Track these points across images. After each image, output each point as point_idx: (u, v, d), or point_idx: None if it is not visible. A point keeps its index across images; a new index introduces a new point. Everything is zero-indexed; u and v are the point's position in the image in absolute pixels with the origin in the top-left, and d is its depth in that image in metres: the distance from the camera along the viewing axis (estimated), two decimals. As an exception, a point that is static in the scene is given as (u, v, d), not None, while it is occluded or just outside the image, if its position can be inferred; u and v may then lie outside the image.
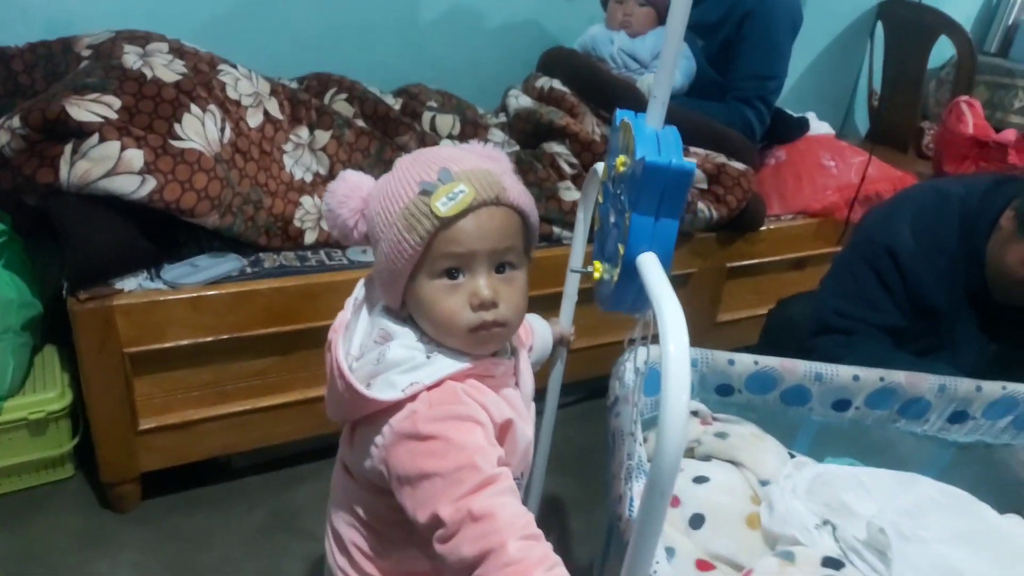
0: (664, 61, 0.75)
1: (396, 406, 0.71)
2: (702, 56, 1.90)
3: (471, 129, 1.83)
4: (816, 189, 2.04)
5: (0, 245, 1.41)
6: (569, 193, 1.70)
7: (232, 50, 1.70)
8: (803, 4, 1.97)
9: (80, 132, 1.26)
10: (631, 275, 0.73)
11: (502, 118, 1.97)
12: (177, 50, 1.53)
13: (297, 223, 1.54)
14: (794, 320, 1.57)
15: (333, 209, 0.76)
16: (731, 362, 1.20)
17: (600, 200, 0.93)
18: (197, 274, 1.39)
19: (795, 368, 1.20)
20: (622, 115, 0.83)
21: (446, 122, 1.81)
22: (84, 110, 1.28)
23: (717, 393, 1.23)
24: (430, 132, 1.79)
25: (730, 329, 2.04)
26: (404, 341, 0.74)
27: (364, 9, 2.01)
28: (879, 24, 2.75)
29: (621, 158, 0.77)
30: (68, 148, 1.26)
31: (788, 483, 1.07)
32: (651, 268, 0.70)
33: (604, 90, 1.80)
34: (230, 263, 1.44)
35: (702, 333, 1.99)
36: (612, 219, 0.82)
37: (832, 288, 1.51)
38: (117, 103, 1.33)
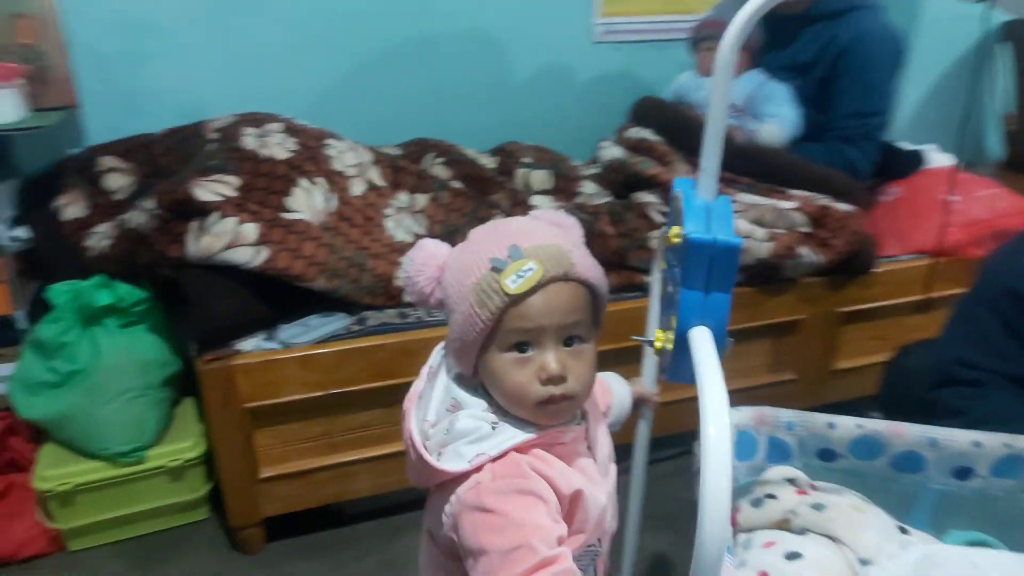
0: (709, 136, 0.76)
1: (464, 476, 0.73)
2: (799, 96, 1.85)
3: (563, 183, 1.88)
4: (936, 227, 1.90)
5: (143, 311, 1.59)
6: (662, 243, 1.70)
7: (339, 121, 1.86)
8: (914, 31, 1.88)
9: (203, 211, 1.42)
10: (684, 348, 0.73)
11: (594, 169, 2.00)
12: (290, 128, 1.69)
13: (398, 282, 1.63)
14: (913, 370, 1.47)
15: (411, 276, 0.79)
16: (831, 425, 1.13)
17: (664, 266, 0.94)
18: (308, 333, 1.51)
19: (904, 433, 1.10)
20: (679, 185, 0.84)
21: (539, 178, 1.87)
22: (207, 190, 1.44)
23: (819, 458, 1.17)
24: (523, 189, 1.85)
25: (850, 377, 1.93)
26: (472, 411, 0.76)
27: (457, 74, 2.14)
28: (1008, 45, 2.55)
29: (674, 230, 0.78)
30: (194, 225, 1.42)
31: (891, 564, 1.00)
32: (700, 343, 0.70)
33: (693, 138, 1.78)
34: (338, 322, 1.55)
35: (817, 382, 1.90)
36: (670, 288, 0.83)
37: (954, 335, 1.39)
38: (236, 182, 1.50)
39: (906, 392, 1.44)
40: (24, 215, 1.72)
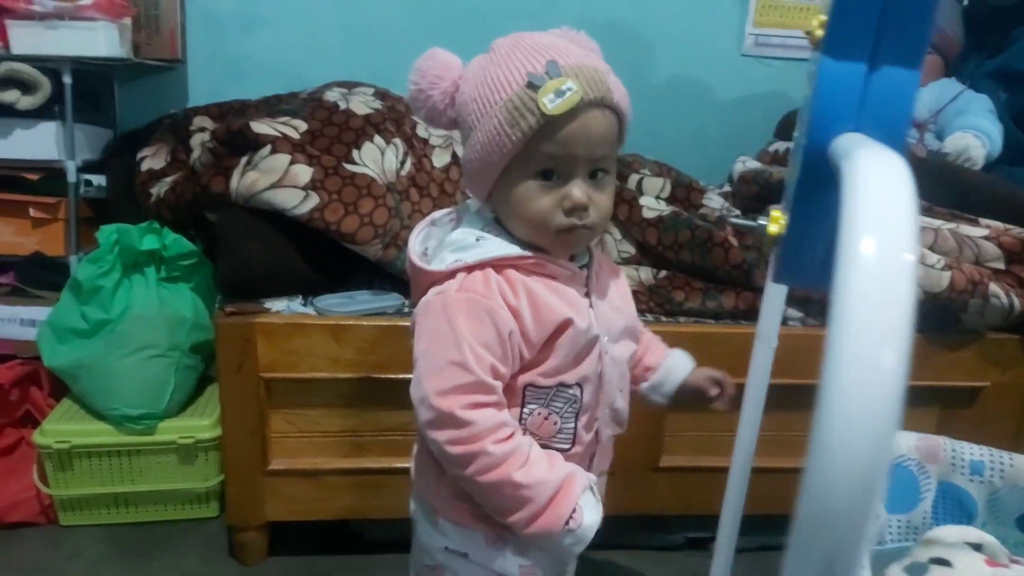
0: None
1: (439, 281, 0.72)
2: (1005, 111, 1.47)
3: (683, 192, 1.58)
4: None
5: (189, 266, 1.43)
6: (799, 260, 1.34)
7: None
8: None
9: (256, 144, 1.25)
10: (812, 183, 0.42)
11: (726, 188, 1.69)
12: (380, 94, 1.52)
13: (468, 268, 1.37)
14: None
15: (424, 89, 0.73)
16: None
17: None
18: (351, 305, 1.28)
19: None
20: None
21: (655, 184, 1.58)
22: (267, 126, 1.27)
23: (1020, 528, 0.77)
24: (634, 190, 1.56)
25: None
26: (465, 227, 0.75)
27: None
28: None
29: (819, 18, 0.48)
30: (244, 160, 1.25)
31: None
32: (858, 147, 0.38)
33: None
34: (388, 301, 1.31)
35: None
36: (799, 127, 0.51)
37: None
38: (304, 126, 1.32)
39: None
40: (104, 162, 1.65)
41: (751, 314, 1.33)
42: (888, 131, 0.39)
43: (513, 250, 0.71)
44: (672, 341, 0.95)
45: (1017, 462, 0.75)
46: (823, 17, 0.46)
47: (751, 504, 0.92)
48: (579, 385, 0.75)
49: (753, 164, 1.62)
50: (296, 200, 1.22)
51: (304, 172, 1.24)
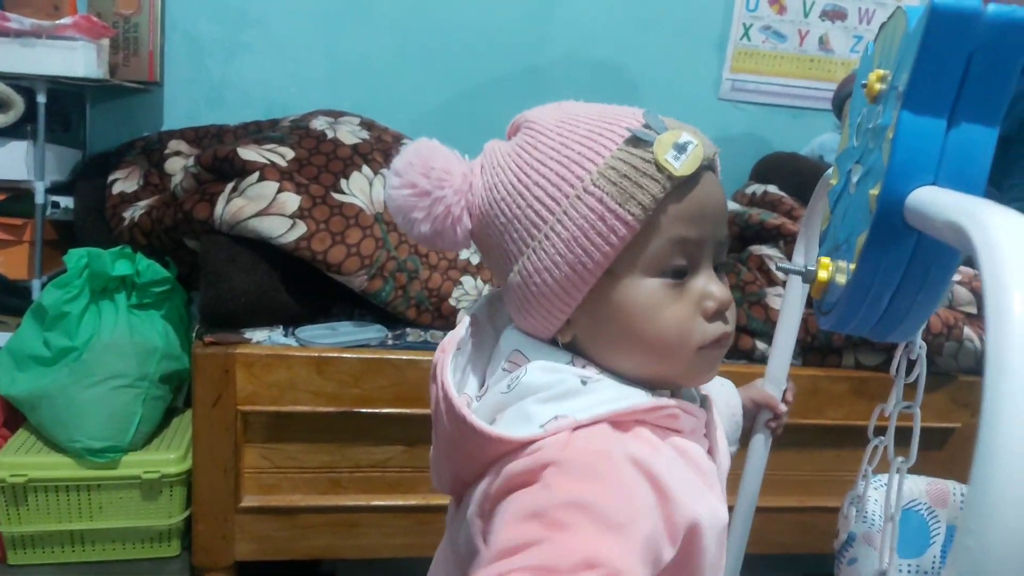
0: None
1: (523, 450, 0.46)
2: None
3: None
4: None
5: (162, 293, 1.38)
6: (779, 301, 1.36)
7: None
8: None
9: (244, 171, 1.22)
10: (887, 236, 0.43)
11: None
12: (367, 124, 1.52)
13: (453, 302, 1.36)
14: None
15: (429, 192, 0.51)
16: None
17: (830, 214, 0.63)
18: (333, 337, 1.25)
19: None
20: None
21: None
22: (254, 153, 1.25)
23: None
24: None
25: None
26: (548, 363, 0.50)
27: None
28: None
29: (878, 73, 0.49)
30: (229, 186, 1.22)
31: None
32: (940, 201, 0.38)
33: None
34: (372, 333, 1.28)
35: (966, 522, 1.44)
36: (856, 176, 0.52)
37: None
38: (291, 154, 1.31)
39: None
40: (73, 183, 1.60)
41: (734, 353, 1.35)
42: (966, 187, 0.40)
43: (640, 396, 0.49)
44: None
45: None
46: (882, 72, 0.47)
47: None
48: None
49: (732, 205, 1.65)
50: (283, 228, 1.20)
51: (292, 200, 1.22)
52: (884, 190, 0.41)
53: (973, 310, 1.35)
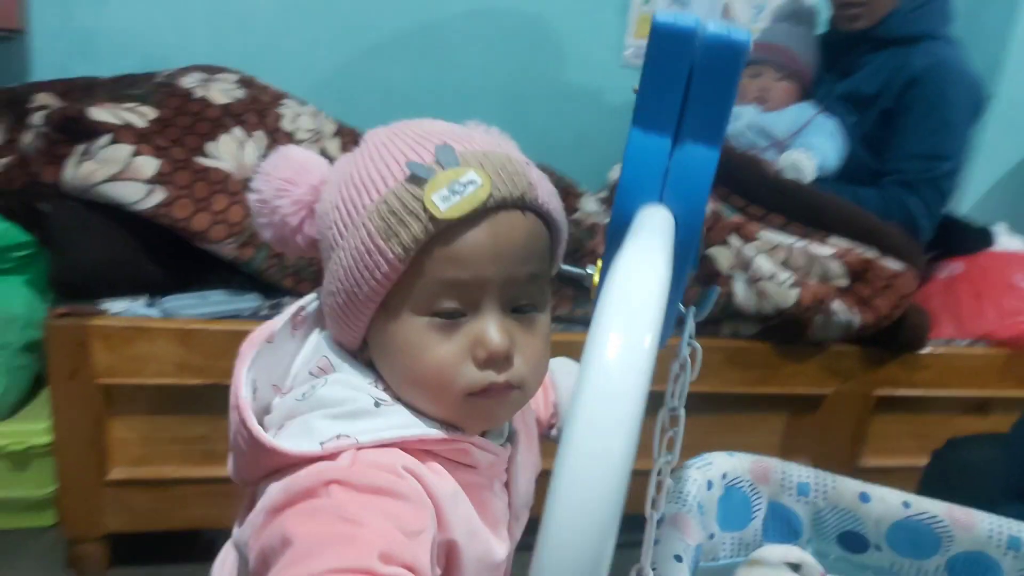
0: None
1: (306, 464, 0.46)
2: (855, 133, 1.54)
3: (560, 195, 1.58)
4: (1003, 313, 1.56)
5: (23, 258, 1.31)
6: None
7: (323, 104, 1.59)
8: (994, 109, 1.58)
9: (94, 132, 1.15)
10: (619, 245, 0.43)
11: (603, 194, 1.71)
12: (246, 82, 1.44)
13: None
14: (974, 466, 1.12)
15: (268, 200, 0.53)
16: (864, 497, 0.79)
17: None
18: (202, 307, 1.21)
19: (974, 524, 0.76)
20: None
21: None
22: (108, 112, 1.18)
23: (842, 545, 0.82)
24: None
25: (877, 479, 1.53)
26: (348, 378, 0.51)
27: (466, 74, 1.88)
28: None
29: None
30: (80, 148, 1.15)
31: None
32: (648, 225, 0.39)
33: (723, 165, 1.49)
34: (247, 303, 1.25)
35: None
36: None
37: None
38: (153, 114, 1.24)
39: (962, 494, 1.08)
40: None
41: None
42: (687, 204, 0.40)
43: (434, 429, 0.49)
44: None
45: (839, 484, 0.79)
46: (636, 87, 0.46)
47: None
48: None
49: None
50: (139, 194, 1.14)
51: (149, 164, 1.16)
52: (616, 206, 0.41)
53: (845, 283, 1.38)
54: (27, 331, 1.31)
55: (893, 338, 1.44)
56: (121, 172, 1.13)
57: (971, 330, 1.57)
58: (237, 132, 1.30)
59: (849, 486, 0.79)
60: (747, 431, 1.45)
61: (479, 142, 0.50)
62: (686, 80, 0.40)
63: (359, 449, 0.46)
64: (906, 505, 0.76)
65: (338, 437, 0.46)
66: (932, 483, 1.19)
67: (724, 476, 0.79)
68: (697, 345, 0.55)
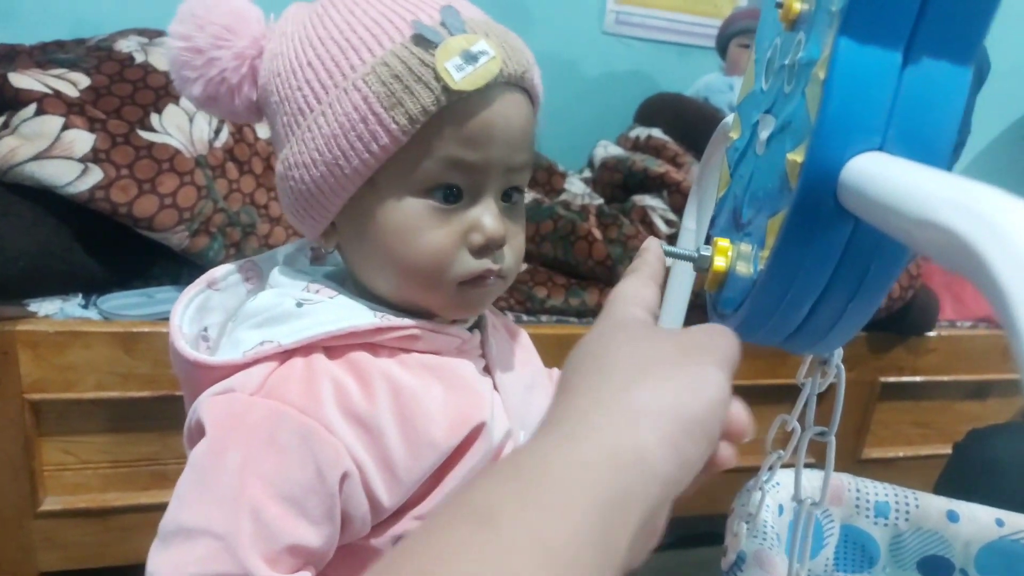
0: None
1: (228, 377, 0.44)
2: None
3: (544, 176, 1.46)
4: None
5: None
6: (663, 256, 1.27)
7: None
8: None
9: (17, 103, 0.97)
10: (813, 222, 0.30)
11: (586, 173, 1.60)
12: (193, 47, 1.27)
13: (298, 260, 1.17)
14: (1003, 463, 1.04)
15: (204, 50, 0.45)
16: (952, 516, 0.69)
17: (729, 177, 0.50)
18: (147, 307, 1.04)
19: None
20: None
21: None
22: (33, 79, 1.00)
23: (922, 572, 0.71)
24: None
25: (880, 471, 1.47)
26: (279, 288, 0.47)
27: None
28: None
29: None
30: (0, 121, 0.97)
31: None
32: (899, 180, 0.25)
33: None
34: (200, 300, 1.08)
35: (837, 471, 1.44)
36: (765, 131, 0.38)
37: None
38: (85, 81, 1.06)
39: (990, 493, 1.00)
40: None
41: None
42: (925, 154, 0.27)
43: (366, 318, 0.45)
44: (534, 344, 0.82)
45: (923, 502, 0.69)
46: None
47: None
48: None
49: (615, 150, 1.54)
50: (71, 175, 0.97)
51: (83, 139, 0.98)
52: (811, 156, 0.28)
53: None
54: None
55: (903, 320, 1.36)
56: (49, 149, 0.95)
57: (973, 311, 1.52)
58: (186, 103, 1.13)
59: (935, 503, 0.69)
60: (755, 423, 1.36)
61: (474, 10, 0.45)
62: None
63: (282, 358, 0.43)
64: (999, 523, 0.66)
65: (261, 344, 0.43)
66: (954, 480, 1.12)
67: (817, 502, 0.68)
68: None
